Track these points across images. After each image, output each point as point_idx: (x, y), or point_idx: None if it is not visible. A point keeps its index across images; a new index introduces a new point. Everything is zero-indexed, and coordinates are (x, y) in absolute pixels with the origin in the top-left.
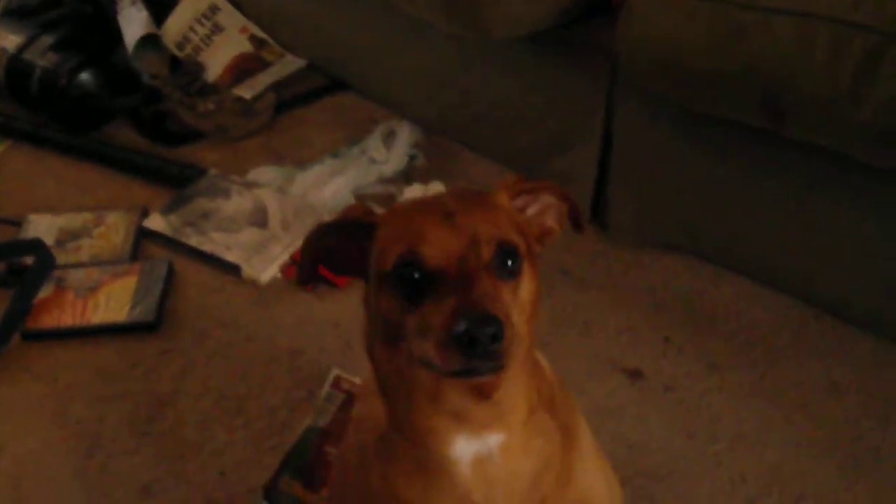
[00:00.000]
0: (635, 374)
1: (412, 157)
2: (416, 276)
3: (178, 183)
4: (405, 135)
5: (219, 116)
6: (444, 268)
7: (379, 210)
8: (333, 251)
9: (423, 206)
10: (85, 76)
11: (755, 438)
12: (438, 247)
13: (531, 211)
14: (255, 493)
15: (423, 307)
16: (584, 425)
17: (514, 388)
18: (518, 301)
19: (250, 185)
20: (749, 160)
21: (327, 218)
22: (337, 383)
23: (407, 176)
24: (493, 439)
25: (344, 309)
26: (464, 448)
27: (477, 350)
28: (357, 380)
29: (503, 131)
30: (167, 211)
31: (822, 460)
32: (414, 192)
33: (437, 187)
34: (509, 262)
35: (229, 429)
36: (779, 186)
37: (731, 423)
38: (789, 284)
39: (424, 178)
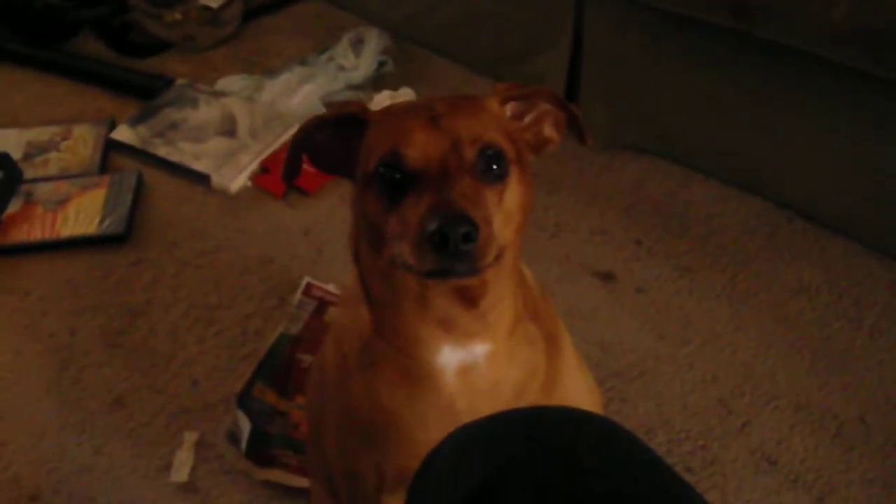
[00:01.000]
0: (607, 277)
1: (381, 64)
2: (398, 176)
3: (146, 94)
4: (374, 41)
5: (186, 26)
6: (425, 169)
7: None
8: (323, 146)
9: (410, 108)
10: None
11: (726, 339)
12: (420, 148)
13: (528, 119)
14: (228, 402)
15: (402, 207)
16: (566, 334)
17: (501, 297)
18: (503, 207)
19: (218, 95)
20: (720, 63)
21: (298, 124)
22: (308, 290)
23: (376, 83)
24: (479, 349)
25: (314, 216)
26: (449, 357)
27: (449, 249)
28: (329, 286)
29: (473, 36)
30: (135, 122)
31: (794, 360)
32: (383, 98)
33: (406, 93)
34: (495, 167)
35: (201, 338)
36: (750, 89)
37: (702, 325)
38: (761, 187)
39: (394, 85)
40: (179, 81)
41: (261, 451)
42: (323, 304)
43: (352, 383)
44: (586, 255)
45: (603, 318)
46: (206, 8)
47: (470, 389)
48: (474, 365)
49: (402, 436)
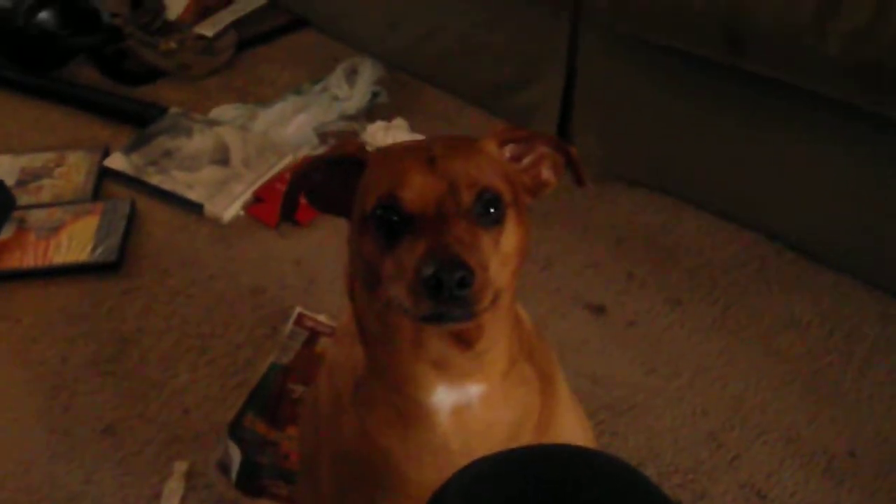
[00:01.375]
0: (598, 310)
1: (375, 94)
2: (395, 219)
3: (140, 122)
4: (367, 72)
5: (180, 55)
6: (422, 212)
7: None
8: (321, 186)
9: (408, 149)
10: (44, 15)
11: (717, 372)
12: (417, 191)
13: (526, 161)
14: (219, 431)
15: (398, 250)
16: (561, 373)
17: (496, 338)
18: (500, 250)
19: (212, 124)
20: (713, 95)
21: (291, 157)
22: (300, 320)
23: (369, 113)
24: (474, 389)
25: (306, 246)
26: (443, 397)
27: (444, 294)
28: (321, 317)
29: (466, 67)
30: (129, 150)
31: (784, 393)
32: (377, 129)
33: (400, 124)
34: (492, 210)
35: (193, 367)
36: (742, 122)
37: (693, 358)
38: (751, 219)
39: (387, 115)
40: (173, 110)
41: (251, 481)
42: (314, 335)
43: (345, 420)
44: (577, 288)
45: (593, 351)
46: (201, 37)
47: (464, 430)
48: (469, 405)
49: (395, 474)
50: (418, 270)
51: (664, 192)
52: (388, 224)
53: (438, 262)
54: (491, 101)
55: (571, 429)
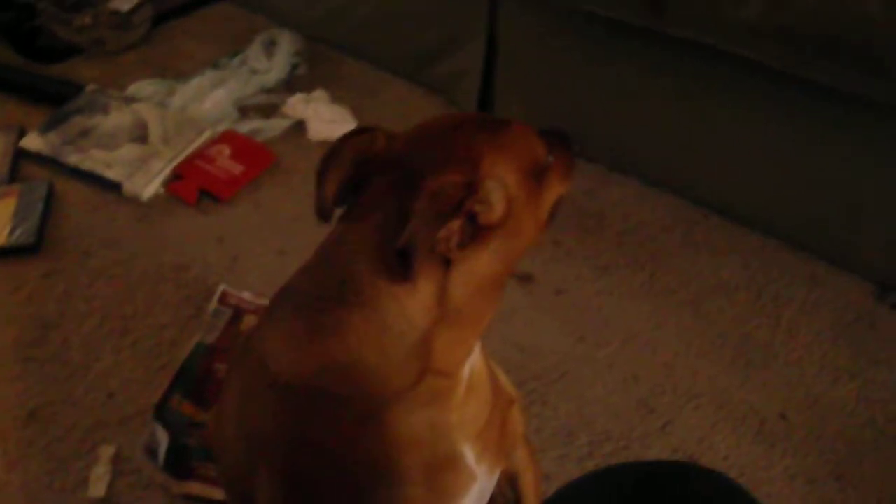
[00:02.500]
0: (525, 278)
1: (294, 66)
2: None
3: (56, 100)
4: (286, 43)
5: (95, 30)
6: None
7: None
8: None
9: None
10: None
11: (646, 338)
12: None
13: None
14: (145, 414)
15: None
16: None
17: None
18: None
19: (129, 100)
20: (636, 61)
21: (210, 132)
22: (224, 298)
23: (289, 85)
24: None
25: (228, 223)
26: None
27: None
28: (245, 294)
29: (386, 37)
30: (45, 129)
31: (714, 358)
32: (297, 101)
33: (320, 96)
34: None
35: (116, 349)
36: (665, 86)
37: (621, 325)
38: (677, 185)
39: (307, 87)
40: (90, 87)
41: (179, 463)
42: (239, 312)
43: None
44: None
45: (522, 320)
46: (116, 12)
47: None
48: None
49: None
50: None
51: (589, 159)
52: None
53: None
54: (413, 71)
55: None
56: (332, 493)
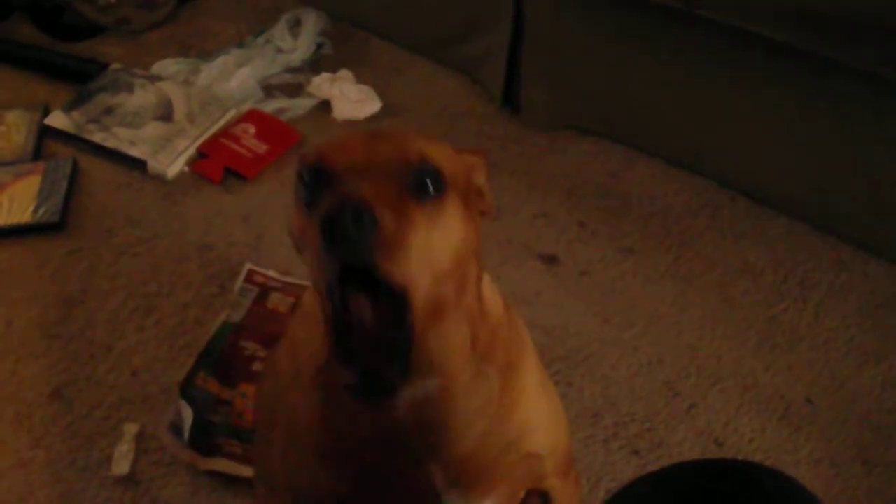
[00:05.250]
0: (550, 260)
1: (319, 46)
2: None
3: (80, 79)
4: (311, 23)
5: (120, 9)
6: (346, 167)
7: None
8: None
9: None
10: None
11: (671, 321)
12: (342, 148)
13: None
14: (169, 392)
15: (314, 212)
16: (530, 360)
17: (446, 341)
18: (437, 232)
19: (154, 79)
20: (662, 42)
21: (235, 111)
22: (250, 277)
23: (314, 65)
24: (432, 383)
25: (253, 202)
26: (402, 392)
27: (337, 237)
28: (271, 272)
29: (412, 17)
30: (69, 108)
31: (739, 341)
32: (322, 81)
33: (345, 76)
34: (428, 182)
35: (140, 327)
36: (693, 69)
37: (646, 307)
38: (703, 166)
39: (332, 67)
40: (114, 66)
41: (204, 440)
42: (265, 291)
43: (303, 399)
44: (529, 238)
45: (547, 302)
46: None
47: (421, 420)
48: (426, 398)
49: (350, 460)
50: (320, 220)
51: (615, 140)
52: (310, 186)
53: (339, 201)
54: (439, 51)
55: (535, 418)
56: None
